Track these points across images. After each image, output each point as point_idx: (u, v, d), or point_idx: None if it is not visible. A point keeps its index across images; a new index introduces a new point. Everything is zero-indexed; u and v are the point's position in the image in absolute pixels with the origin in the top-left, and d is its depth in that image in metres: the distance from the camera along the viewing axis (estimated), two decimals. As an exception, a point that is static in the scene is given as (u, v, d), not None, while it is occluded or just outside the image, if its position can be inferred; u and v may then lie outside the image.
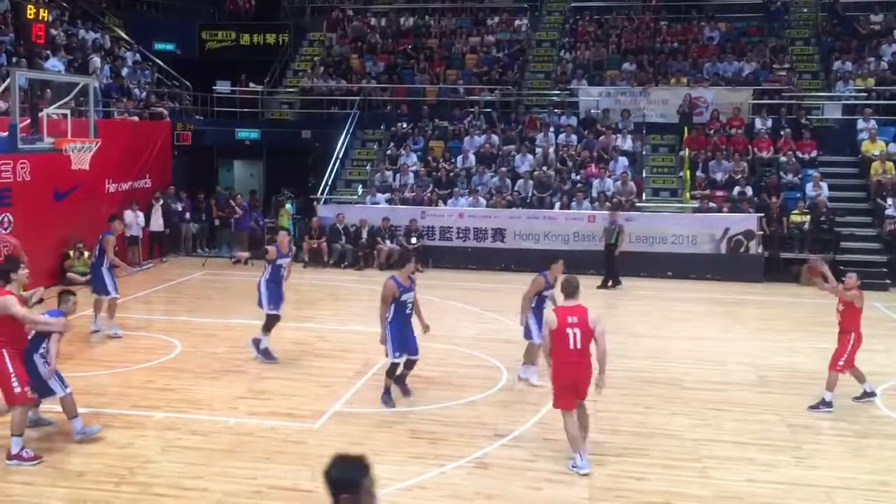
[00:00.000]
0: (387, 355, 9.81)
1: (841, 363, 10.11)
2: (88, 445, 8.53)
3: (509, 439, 8.95)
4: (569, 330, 7.88)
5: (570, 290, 8.11)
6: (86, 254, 17.21)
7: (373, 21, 28.00)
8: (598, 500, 7.51)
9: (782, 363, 12.16)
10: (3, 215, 15.35)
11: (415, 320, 10.02)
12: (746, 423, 9.60)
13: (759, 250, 18.89)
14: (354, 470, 3.78)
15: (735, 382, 11.19)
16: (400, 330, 9.74)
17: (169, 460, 8.22)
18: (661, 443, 8.94)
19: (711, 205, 19.57)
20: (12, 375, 7.95)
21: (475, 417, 9.62)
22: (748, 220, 18.97)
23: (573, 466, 8.08)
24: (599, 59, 25.28)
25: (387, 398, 9.94)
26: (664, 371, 11.64)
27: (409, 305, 9.82)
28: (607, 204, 19.56)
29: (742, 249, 18.85)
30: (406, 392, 10.18)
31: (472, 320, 14.77)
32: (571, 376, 7.97)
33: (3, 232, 14.74)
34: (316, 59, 26.82)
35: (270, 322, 11.73)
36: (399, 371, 9.96)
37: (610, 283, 17.91)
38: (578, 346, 7.89)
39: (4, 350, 8.00)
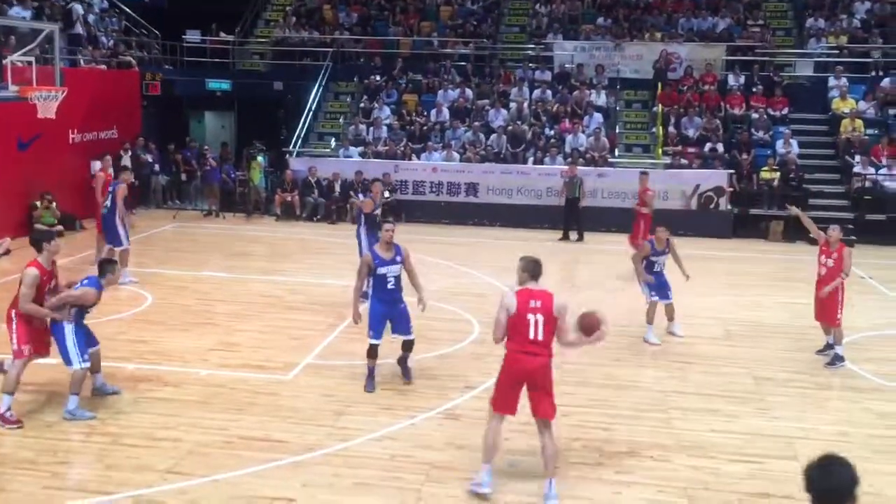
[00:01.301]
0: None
1: (839, 316, 10.10)
2: (58, 396, 8.49)
3: (480, 391, 9.04)
4: (530, 316, 6.65)
5: (535, 271, 6.84)
6: (54, 204, 16.99)
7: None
8: (565, 451, 7.62)
9: (749, 317, 12.38)
10: (-34, 165, 15.07)
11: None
12: (712, 376, 9.79)
13: (729, 207, 19.08)
14: (850, 479, 3.37)
15: (702, 336, 11.38)
16: (379, 308, 8.84)
17: (140, 411, 8.23)
18: (629, 394, 9.11)
19: (683, 161, 19.67)
20: (13, 333, 7.97)
21: (446, 370, 9.72)
22: (719, 177, 19.11)
23: (473, 485, 6.81)
24: (574, 13, 25.09)
25: (369, 383, 8.91)
26: (634, 325, 11.77)
27: (392, 281, 8.79)
28: (580, 160, 19.58)
29: (712, 206, 19.02)
30: (407, 375, 9.15)
31: (445, 274, 14.81)
32: (524, 369, 6.73)
33: None
34: (288, 8, 26.32)
35: None
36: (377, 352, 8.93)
37: (577, 238, 18.10)
38: (540, 336, 6.67)
39: (13, 310, 8.01)
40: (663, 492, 7.00)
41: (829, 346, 10.44)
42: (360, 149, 20.87)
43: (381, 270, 8.74)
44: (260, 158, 20.61)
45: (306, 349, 10.25)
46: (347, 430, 7.97)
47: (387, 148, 20.71)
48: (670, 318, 11.36)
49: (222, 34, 25.08)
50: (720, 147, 19.98)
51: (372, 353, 8.89)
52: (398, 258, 8.85)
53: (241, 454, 7.38)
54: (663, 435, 8.10)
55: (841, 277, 10.02)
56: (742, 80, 21.91)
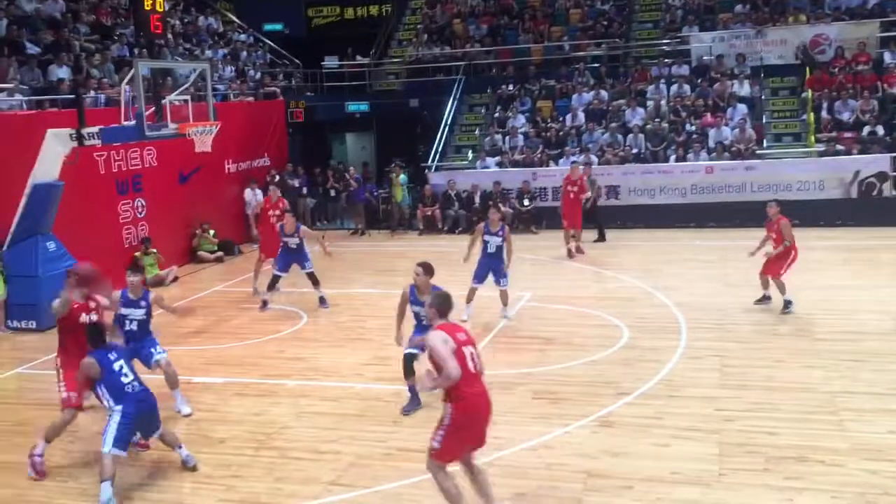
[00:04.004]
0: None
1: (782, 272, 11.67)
2: (228, 414, 9.01)
3: (634, 397, 8.87)
4: (465, 349, 6.13)
5: (444, 308, 6.56)
6: (211, 232, 18.04)
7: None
8: (728, 456, 7.36)
9: (923, 310, 11.50)
10: (136, 200, 16.24)
11: None
12: (885, 374, 9.16)
13: (894, 193, 17.83)
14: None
15: (870, 332, 10.68)
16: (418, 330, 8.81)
17: (303, 426, 8.58)
18: (794, 396, 8.65)
19: (839, 147, 18.58)
20: (60, 381, 7.97)
21: (597, 376, 9.58)
22: (880, 161, 17.92)
23: None
24: (710, 3, 24.25)
25: (409, 406, 8.80)
26: (793, 323, 11.24)
27: (425, 318, 8.03)
28: (726, 154, 18.91)
29: (875, 193, 17.85)
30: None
31: (590, 280, 14.64)
32: (480, 410, 6.18)
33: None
34: (419, 27, 26.88)
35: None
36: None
37: (598, 237, 17.85)
38: (479, 366, 6.26)
39: (59, 358, 8.11)
40: (838, 498, 6.59)
41: (765, 298, 12.01)
42: (497, 159, 20.96)
43: (415, 309, 8.89)
44: (402, 176, 21.07)
45: (456, 360, 10.34)
46: (501, 439, 7.97)
47: (523, 156, 20.70)
48: (504, 303, 12.12)
49: (358, 57, 25.93)
50: (880, 129, 18.71)
51: (408, 365, 8.75)
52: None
53: (399, 465, 7.54)
54: (835, 438, 7.64)
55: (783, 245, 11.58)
56: (900, 56, 20.47)
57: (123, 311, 8.81)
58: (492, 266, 12.04)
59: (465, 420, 6.08)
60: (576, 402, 8.85)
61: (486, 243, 12.09)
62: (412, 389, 8.76)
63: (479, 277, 12.10)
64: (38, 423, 8.76)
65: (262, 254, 14.54)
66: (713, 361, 9.86)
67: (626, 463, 7.34)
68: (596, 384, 9.32)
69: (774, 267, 11.69)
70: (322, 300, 13.44)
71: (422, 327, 8.62)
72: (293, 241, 13.28)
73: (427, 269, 8.77)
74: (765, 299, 12.03)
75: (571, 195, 16.91)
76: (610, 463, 7.38)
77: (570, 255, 16.39)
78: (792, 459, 7.25)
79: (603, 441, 7.85)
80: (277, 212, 14.58)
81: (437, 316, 6.47)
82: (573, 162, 18.48)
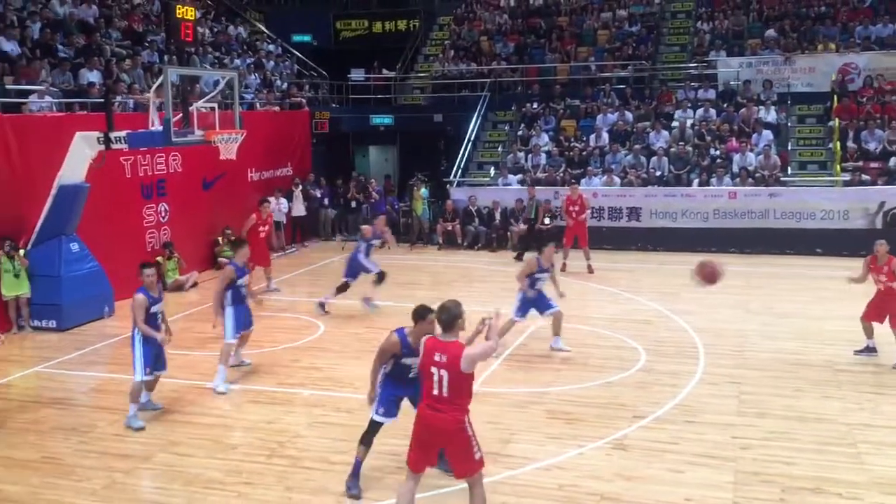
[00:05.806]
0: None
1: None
2: (241, 420, 9.03)
3: (649, 421, 8.79)
4: (434, 369, 6.22)
5: (447, 321, 6.34)
6: (233, 238, 18.11)
7: (502, 2, 27.88)
8: (743, 485, 7.27)
9: (947, 344, 11.32)
10: (160, 205, 16.36)
11: None
12: (907, 408, 9.04)
13: (920, 224, 17.64)
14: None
15: (893, 364, 10.52)
16: (394, 393, 7.25)
17: (316, 435, 8.57)
18: (812, 427, 8.55)
19: (864, 177, 18.42)
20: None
21: (613, 398, 9.51)
22: (907, 193, 17.74)
23: None
24: (739, 28, 24.21)
25: (352, 483, 7.32)
26: (815, 353, 11.12)
27: (414, 371, 6.91)
28: (750, 180, 18.78)
29: (900, 224, 17.66)
30: None
31: (609, 301, 14.56)
32: (426, 426, 6.31)
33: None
34: (446, 42, 27.00)
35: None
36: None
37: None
38: (445, 392, 6.20)
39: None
40: (855, 533, 6.50)
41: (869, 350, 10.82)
42: (519, 176, 20.95)
43: (407, 361, 7.05)
44: (423, 190, 21.11)
45: (471, 377, 10.31)
46: (514, 458, 7.94)
47: (546, 175, 20.68)
48: (557, 332, 11.35)
49: (385, 71, 26.08)
50: (907, 160, 18.56)
51: (368, 437, 7.34)
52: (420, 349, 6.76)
53: (411, 480, 7.49)
54: (853, 471, 7.53)
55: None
56: (930, 87, 20.31)
57: (155, 308, 8.99)
58: (536, 300, 11.14)
59: (414, 423, 6.44)
60: (590, 423, 8.79)
61: (536, 280, 11.06)
62: (356, 470, 7.42)
63: (523, 312, 11.13)
64: (53, 422, 8.83)
65: (249, 263, 14.90)
66: (731, 388, 9.77)
67: (639, 487, 7.27)
68: (611, 406, 9.26)
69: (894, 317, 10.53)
70: (321, 305, 13.85)
71: (407, 381, 7.13)
72: (378, 242, 14.21)
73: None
74: (868, 350, 10.83)
75: (574, 214, 17.19)
76: (623, 487, 7.32)
77: (589, 270, 16.74)
78: (808, 490, 7.16)
79: (617, 464, 7.78)
80: (266, 227, 15.71)
81: (441, 329, 6.47)
82: (573, 182, 18.81)
